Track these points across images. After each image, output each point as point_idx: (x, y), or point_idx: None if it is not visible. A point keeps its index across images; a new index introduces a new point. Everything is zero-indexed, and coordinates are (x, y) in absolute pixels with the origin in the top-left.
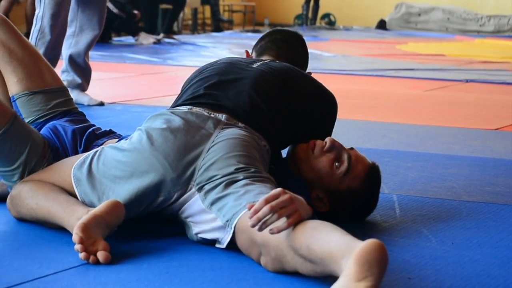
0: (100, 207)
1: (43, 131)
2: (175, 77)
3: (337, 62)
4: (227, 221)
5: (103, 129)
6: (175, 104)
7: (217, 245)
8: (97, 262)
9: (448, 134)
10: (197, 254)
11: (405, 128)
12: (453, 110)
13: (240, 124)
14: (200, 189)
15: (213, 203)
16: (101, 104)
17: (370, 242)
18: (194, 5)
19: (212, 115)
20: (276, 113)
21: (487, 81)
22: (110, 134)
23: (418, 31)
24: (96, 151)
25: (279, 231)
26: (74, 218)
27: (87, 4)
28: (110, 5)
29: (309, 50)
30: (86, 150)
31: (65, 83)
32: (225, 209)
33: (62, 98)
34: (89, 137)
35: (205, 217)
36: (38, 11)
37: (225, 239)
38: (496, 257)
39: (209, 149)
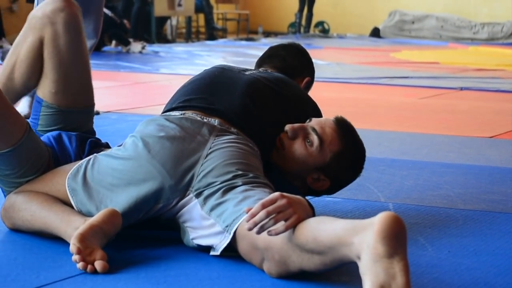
0: (97, 217)
1: (45, 137)
2: (169, 86)
3: (331, 70)
4: (226, 226)
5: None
6: (167, 108)
7: (211, 253)
8: (94, 272)
9: (443, 142)
10: (195, 263)
11: (400, 136)
12: (448, 118)
13: (232, 129)
14: (198, 195)
15: (212, 209)
16: (97, 113)
17: (386, 216)
18: (188, 13)
19: (205, 120)
20: (266, 119)
21: (481, 88)
22: (108, 146)
23: (412, 39)
24: (89, 160)
25: (277, 234)
26: (71, 228)
27: (83, 14)
28: (104, 9)
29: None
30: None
31: None
32: (224, 215)
33: (83, 121)
34: (91, 145)
35: (203, 223)
36: None
37: (222, 244)
38: (492, 265)
39: (206, 156)
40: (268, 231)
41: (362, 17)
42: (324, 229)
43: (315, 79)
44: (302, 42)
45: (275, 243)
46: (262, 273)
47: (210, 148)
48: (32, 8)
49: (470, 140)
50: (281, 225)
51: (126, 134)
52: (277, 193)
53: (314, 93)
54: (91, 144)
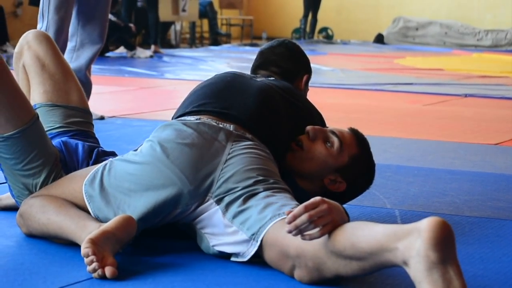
0: (111, 223)
1: (54, 143)
2: (174, 91)
3: (335, 76)
4: (252, 234)
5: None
6: (181, 112)
7: (233, 259)
8: (103, 277)
9: (448, 149)
10: (202, 269)
11: (405, 143)
12: (453, 124)
13: (247, 135)
14: (219, 201)
15: (234, 216)
16: (102, 118)
17: (435, 221)
18: (192, 18)
19: (221, 125)
20: (279, 125)
21: (486, 95)
22: (114, 154)
23: (416, 45)
24: (105, 165)
25: (311, 239)
26: (86, 233)
27: (88, 19)
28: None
29: None
30: (95, 163)
31: None
32: (248, 223)
33: (82, 119)
34: (98, 153)
35: (226, 230)
36: (41, 26)
37: (249, 252)
38: (499, 272)
39: (226, 161)
40: (302, 236)
41: (366, 23)
42: (363, 235)
43: (319, 85)
44: (306, 48)
45: (308, 250)
46: (269, 279)
47: (229, 154)
48: (36, 11)
49: (475, 147)
50: (316, 230)
51: (132, 139)
52: (318, 198)
53: (318, 99)
54: (98, 153)
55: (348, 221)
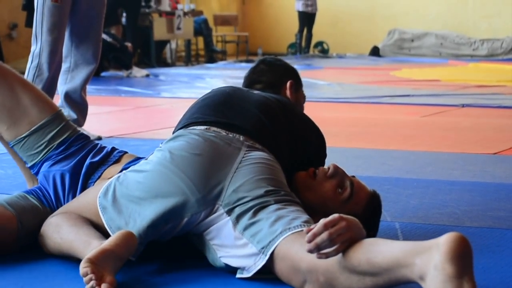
0: (110, 240)
1: (40, 177)
2: (171, 110)
3: (332, 90)
4: (262, 248)
5: (103, 151)
6: (184, 123)
7: (238, 275)
8: None
9: (447, 160)
10: (200, 283)
11: (404, 155)
12: (451, 135)
13: (257, 145)
14: (230, 212)
15: (245, 228)
16: (99, 138)
17: (454, 236)
18: (187, 36)
19: (231, 135)
20: (280, 136)
21: (483, 105)
22: (109, 156)
23: (412, 57)
24: (118, 177)
25: (327, 257)
26: (89, 250)
27: (81, 40)
28: (103, 35)
29: (303, 79)
30: (84, 189)
31: None
32: (259, 236)
33: (54, 128)
34: (86, 173)
35: (236, 242)
36: (35, 48)
37: (256, 266)
38: (502, 282)
39: (236, 170)
40: (318, 254)
41: (361, 37)
42: (379, 251)
43: (316, 99)
44: (302, 63)
45: (320, 265)
46: None
47: (240, 162)
48: (31, 33)
49: (474, 157)
50: (333, 248)
51: None
52: (337, 215)
53: (316, 113)
54: (86, 173)
55: (365, 235)
